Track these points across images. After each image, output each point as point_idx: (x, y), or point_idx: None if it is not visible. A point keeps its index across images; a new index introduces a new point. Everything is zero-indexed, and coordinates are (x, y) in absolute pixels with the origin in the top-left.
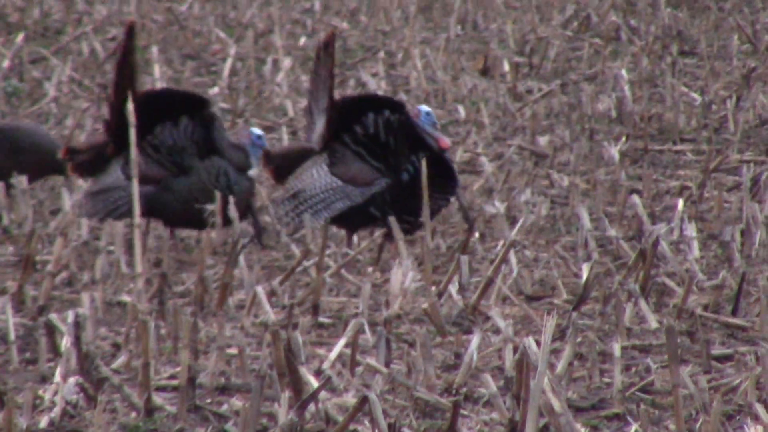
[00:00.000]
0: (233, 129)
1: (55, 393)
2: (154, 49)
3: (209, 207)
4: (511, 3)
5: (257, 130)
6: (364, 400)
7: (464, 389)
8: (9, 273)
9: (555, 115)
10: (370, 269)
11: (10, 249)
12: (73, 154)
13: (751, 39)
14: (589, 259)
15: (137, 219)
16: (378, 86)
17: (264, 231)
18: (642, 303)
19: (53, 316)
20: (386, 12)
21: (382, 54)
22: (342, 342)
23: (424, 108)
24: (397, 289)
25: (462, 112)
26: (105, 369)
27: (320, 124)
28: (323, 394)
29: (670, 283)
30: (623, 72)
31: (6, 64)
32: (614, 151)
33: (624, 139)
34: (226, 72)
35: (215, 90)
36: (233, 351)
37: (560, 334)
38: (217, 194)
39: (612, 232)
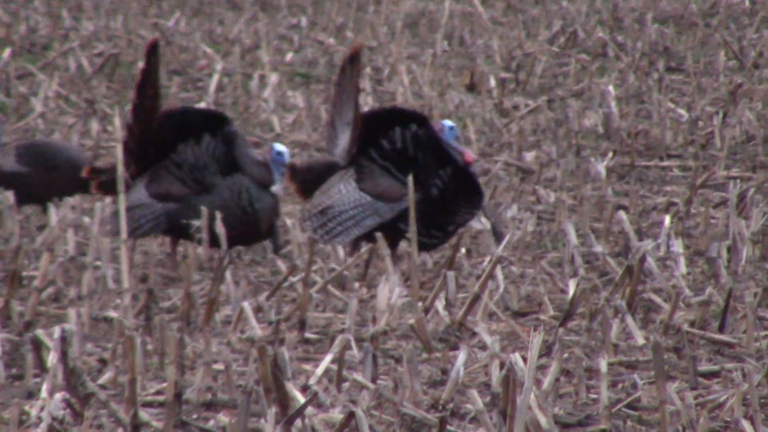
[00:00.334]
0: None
1: (42, 409)
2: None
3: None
4: (497, 19)
5: (279, 146)
6: (350, 416)
7: (451, 405)
8: None
9: (542, 131)
10: (356, 285)
11: None
12: (96, 174)
13: (738, 55)
14: (575, 275)
15: (124, 235)
16: (365, 102)
17: (281, 248)
18: (629, 319)
19: (40, 332)
20: (373, 27)
21: (368, 69)
22: (328, 358)
23: (448, 123)
24: (384, 304)
25: None
26: (91, 385)
27: (344, 138)
28: (310, 409)
29: (657, 300)
30: (610, 88)
31: None
32: (601, 167)
33: (611, 155)
34: (212, 87)
35: (202, 105)
36: (220, 367)
37: (547, 350)
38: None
39: (599, 248)
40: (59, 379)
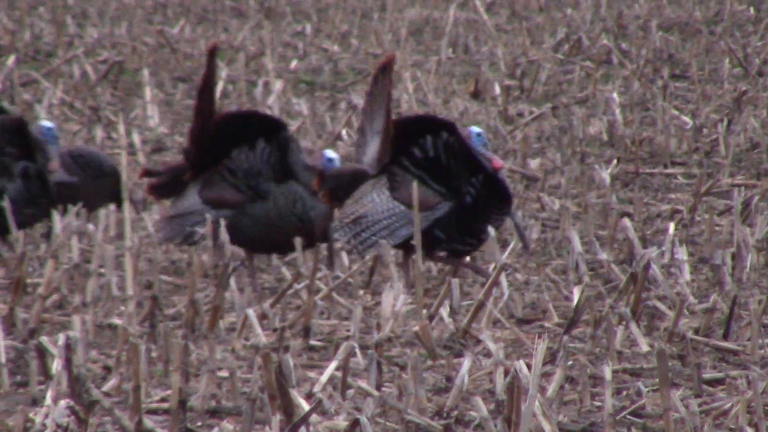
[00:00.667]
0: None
1: (46, 416)
2: (146, 72)
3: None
4: (502, 26)
5: (330, 153)
6: (355, 423)
7: (455, 412)
8: (0, 296)
9: (546, 138)
10: (361, 292)
11: (1, 272)
12: (150, 176)
13: (742, 63)
14: (580, 282)
15: (129, 241)
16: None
17: (336, 257)
18: (633, 326)
19: (44, 339)
20: (377, 35)
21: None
22: (333, 365)
23: (475, 129)
24: (389, 312)
25: None
26: (96, 392)
27: (373, 146)
28: (314, 417)
29: (661, 307)
30: (614, 95)
31: None
32: (605, 175)
33: (615, 162)
34: (217, 95)
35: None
36: (224, 374)
37: (551, 358)
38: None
39: (603, 255)
40: (63, 386)
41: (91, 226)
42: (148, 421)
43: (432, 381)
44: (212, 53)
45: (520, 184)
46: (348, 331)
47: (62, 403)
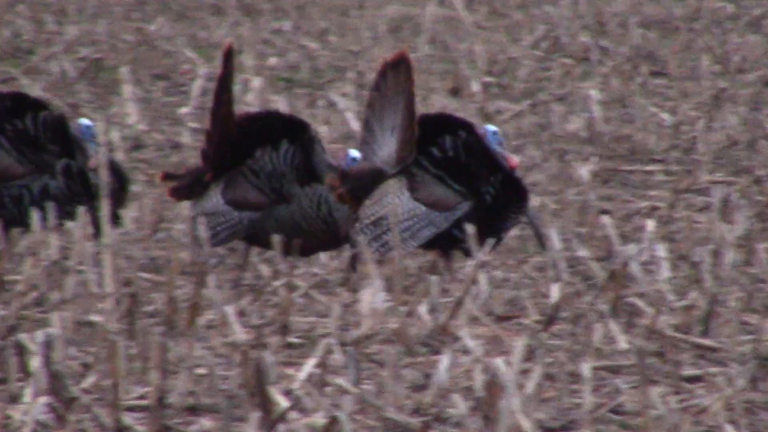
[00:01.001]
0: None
1: (25, 413)
2: (125, 69)
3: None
4: (480, 23)
5: (354, 152)
6: (333, 420)
7: (434, 410)
8: None
9: (525, 135)
10: (339, 289)
11: None
12: (170, 179)
13: (721, 60)
14: (559, 279)
15: (106, 239)
16: (347, 106)
17: (361, 257)
18: (612, 324)
19: (23, 336)
20: (356, 32)
21: (352, 74)
22: (312, 362)
23: (491, 127)
24: (367, 309)
25: None
26: (75, 389)
27: (388, 145)
28: (292, 414)
29: (640, 304)
30: (593, 92)
31: None
32: (584, 172)
33: (594, 159)
34: (196, 92)
35: (185, 110)
36: (203, 371)
37: (530, 355)
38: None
39: (582, 252)
40: (42, 383)
41: (69, 223)
42: (127, 418)
43: (410, 378)
44: (229, 54)
45: None
46: (326, 328)
47: (41, 400)
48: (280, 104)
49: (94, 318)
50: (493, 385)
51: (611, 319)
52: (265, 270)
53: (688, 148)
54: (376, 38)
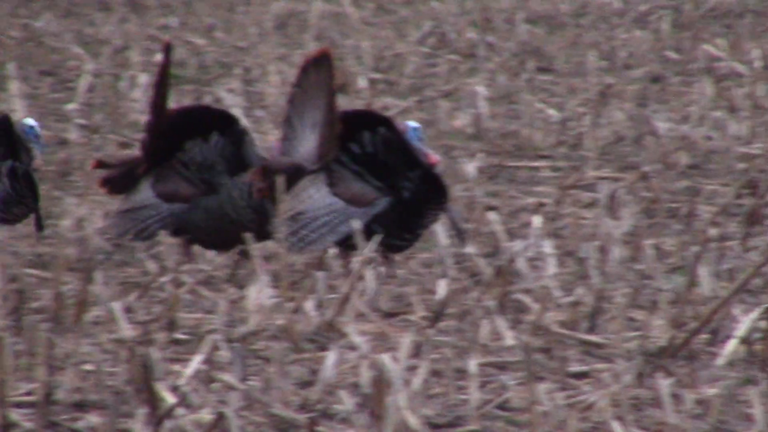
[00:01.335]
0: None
1: None
2: (11, 66)
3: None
4: (367, 19)
5: (413, 123)
6: (220, 416)
7: (320, 406)
8: None
9: None
10: (226, 285)
11: None
12: (102, 167)
13: (608, 55)
14: (445, 275)
15: None
16: (235, 102)
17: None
18: (498, 320)
19: None
20: (243, 28)
21: (238, 70)
22: (198, 358)
23: (412, 123)
24: (254, 305)
25: None
26: None
27: (308, 141)
28: (179, 410)
29: (527, 300)
30: (480, 88)
31: None
32: (471, 168)
33: (481, 155)
34: (82, 88)
35: (72, 106)
36: (90, 367)
37: (416, 351)
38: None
39: (469, 248)
40: None
41: None
42: (14, 415)
43: (297, 374)
44: (168, 49)
45: None
46: (213, 324)
47: None
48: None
49: None
50: (380, 382)
51: (498, 316)
52: (151, 266)
53: (574, 144)
54: (262, 34)
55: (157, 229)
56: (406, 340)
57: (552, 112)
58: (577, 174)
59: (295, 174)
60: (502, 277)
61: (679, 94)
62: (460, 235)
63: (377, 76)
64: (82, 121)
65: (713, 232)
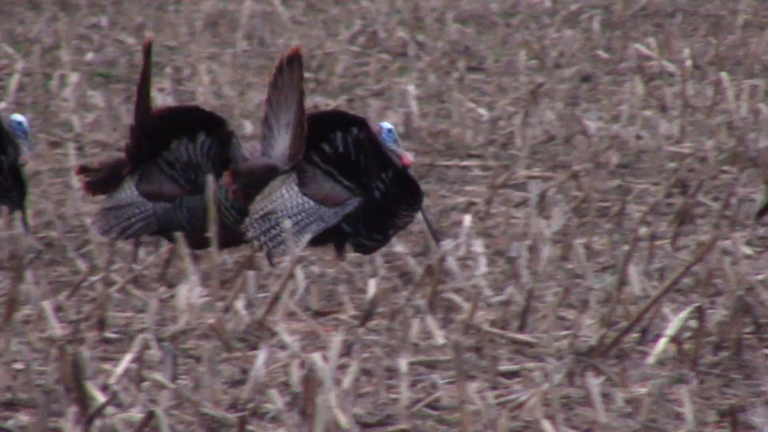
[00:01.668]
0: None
1: None
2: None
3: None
4: (298, 18)
5: (387, 125)
6: (150, 415)
7: (251, 405)
8: None
9: None
10: (156, 284)
11: None
12: (86, 173)
13: (539, 55)
14: (375, 274)
15: None
16: (165, 101)
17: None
18: (429, 319)
19: None
20: (173, 27)
21: (169, 69)
22: (128, 357)
23: (386, 125)
24: (184, 304)
25: (249, 127)
26: None
27: (282, 141)
28: (109, 409)
29: (457, 299)
30: (410, 87)
31: None
32: None
33: (411, 154)
34: (13, 87)
35: (2, 105)
36: (20, 366)
37: (347, 350)
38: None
39: (399, 247)
40: None
41: None
42: None
43: (227, 373)
44: (148, 49)
45: None
46: (143, 323)
47: None
48: (98, 99)
49: None
50: (310, 381)
51: (428, 315)
52: (82, 265)
53: (505, 143)
54: (193, 33)
55: (140, 227)
56: (336, 339)
57: (482, 111)
58: (508, 173)
59: (268, 174)
60: (432, 276)
61: (610, 93)
62: (434, 235)
63: (308, 75)
64: None
65: (643, 231)
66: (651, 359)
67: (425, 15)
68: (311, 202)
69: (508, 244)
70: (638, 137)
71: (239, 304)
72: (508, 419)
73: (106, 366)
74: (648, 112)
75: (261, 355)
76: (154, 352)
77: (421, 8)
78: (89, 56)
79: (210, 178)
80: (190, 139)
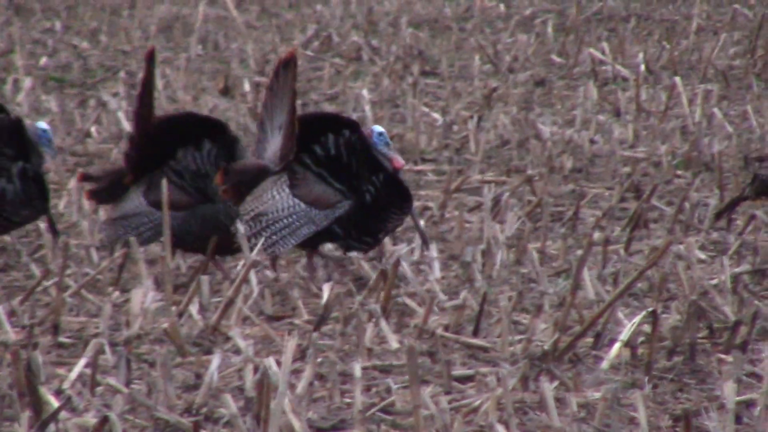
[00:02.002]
0: None
1: None
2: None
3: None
4: (252, 23)
5: (378, 128)
6: (104, 420)
7: (205, 409)
8: None
9: None
10: (110, 289)
11: None
12: (88, 180)
13: (492, 59)
14: (329, 279)
15: None
16: (119, 106)
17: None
18: (383, 323)
19: None
20: (127, 32)
21: (122, 74)
22: (82, 362)
23: (377, 128)
24: (138, 309)
25: None
26: None
27: (275, 143)
28: (63, 414)
29: (411, 304)
30: (364, 92)
31: None
32: None
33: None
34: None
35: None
36: None
37: (301, 355)
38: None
39: (352, 252)
40: None
41: None
42: None
43: (181, 378)
44: (150, 57)
45: None
46: (97, 328)
47: None
48: (52, 104)
49: None
50: (264, 385)
51: (382, 319)
52: (36, 270)
53: (459, 147)
54: (147, 38)
55: (150, 237)
56: (290, 344)
57: (436, 115)
58: (462, 178)
59: (259, 174)
60: (386, 281)
61: (564, 97)
62: (423, 239)
63: (261, 79)
64: None
65: (597, 235)
66: (605, 364)
67: (379, 19)
68: (302, 205)
69: (463, 248)
70: (592, 142)
71: (193, 309)
72: (462, 424)
73: (60, 371)
74: (602, 117)
75: (215, 360)
76: (108, 357)
77: (375, 13)
78: (43, 61)
79: (164, 182)
80: (196, 147)
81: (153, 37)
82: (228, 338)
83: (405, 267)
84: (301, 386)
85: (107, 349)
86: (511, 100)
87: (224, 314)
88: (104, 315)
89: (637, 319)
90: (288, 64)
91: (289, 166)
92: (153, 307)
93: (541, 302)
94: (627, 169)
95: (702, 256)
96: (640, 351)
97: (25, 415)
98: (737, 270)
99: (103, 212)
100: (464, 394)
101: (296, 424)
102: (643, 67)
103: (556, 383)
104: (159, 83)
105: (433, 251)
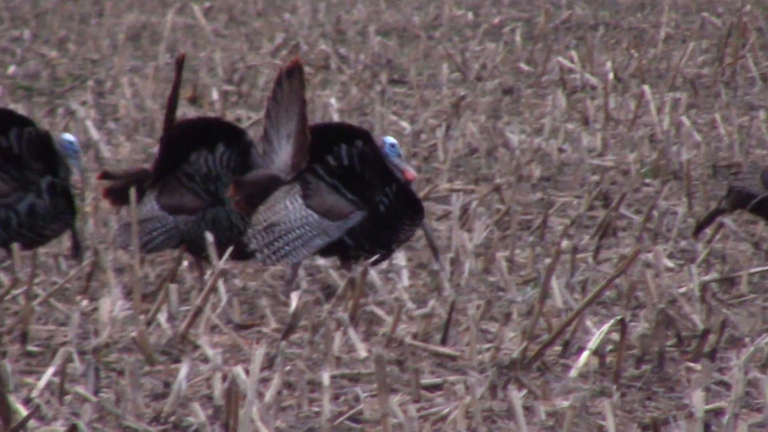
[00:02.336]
0: None
1: None
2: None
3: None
4: (220, 31)
5: (391, 139)
6: (72, 428)
7: (173, 418)
8: None
9: None
10: (78, 298)
11: None
12: (108, 178)
13: (461, 68)
14: (298, 288)
15: None
16: (87, 114)
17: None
18: (351, 332)
19: None
20: (95, 40)
21: (91, 82)
22: (51, 370)
23: (390, 139)
24: (106, 317)
25: None
26: None
27: (284, 152)
28: (32, 422)
29: (380, 312)
30: (332, 100)
31: None
32: None
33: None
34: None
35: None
36: None
37: (269, 363)
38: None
39: (321, 261)
40: None
41: None
42: None
43: (150, 386)
44: (180, 63)
45: None
46: (66, 336)
47: None
48: (20, 112)
49: None
50: (233, 394)
51: (350, 328)
52: (4, 278)
53: (427, 156)
54: (115, 46)
55: (162, 241)
56: (258, 352)
57: (405, 124)
58: (430, 186)
59: (270, 184)
60: (354, 290)
61: (532, 106)
62: (434, 250)
63: (230, 87)
64: None
65: (566, 244)
66: (573, 372)
67: (347, 28)
68: (315, 215)
69: (431, 257)
70: (560, 150)
71: (162, 317)
72: None
73: (29, 379)
74: (570, 125)
75: (183, 368)
76: (77, 366)
77: (343, 21)
78: (11, 69)
79: (132, 192)
80: (210, 150)
81: (121, 45)
82: (196, 347)
83: (373, 275)
84: (269, 395)
85: (76, 357)
86: (479, 108)
87: (192, 323)
88: (73, 323)
89: (605, 327)
90: (292, 72)
91: (302, 176)
92: (121, 316)
93: (510, 311)
94: (595, 178)
95: (670, 264)
96: (608, 359)
97: None
98: (705, 278)
99: (117, 216)
100: (432, 402)
101: None
102: (611, 76)
103: (524, 392)
104: (128, 92)
105: (401, 259)
